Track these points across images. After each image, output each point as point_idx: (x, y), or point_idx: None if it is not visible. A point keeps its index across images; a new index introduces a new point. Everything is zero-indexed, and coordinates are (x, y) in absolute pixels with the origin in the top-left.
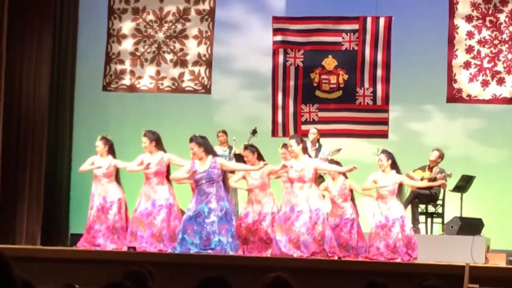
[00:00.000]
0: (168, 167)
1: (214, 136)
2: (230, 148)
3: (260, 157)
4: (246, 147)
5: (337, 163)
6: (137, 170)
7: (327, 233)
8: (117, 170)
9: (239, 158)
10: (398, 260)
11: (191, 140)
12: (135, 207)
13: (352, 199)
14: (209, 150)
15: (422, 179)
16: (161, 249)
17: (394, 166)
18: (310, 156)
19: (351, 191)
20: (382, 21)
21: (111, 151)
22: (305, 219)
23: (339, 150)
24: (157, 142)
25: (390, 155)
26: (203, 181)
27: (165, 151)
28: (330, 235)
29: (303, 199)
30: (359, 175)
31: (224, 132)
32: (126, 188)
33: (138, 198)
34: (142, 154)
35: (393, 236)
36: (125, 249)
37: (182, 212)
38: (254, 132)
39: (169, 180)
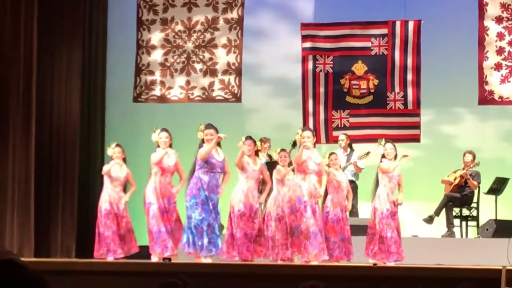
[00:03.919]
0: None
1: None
2: (270, 157)
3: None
4: (282, 150)
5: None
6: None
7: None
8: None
9: (273, 165)
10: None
11: (210, 127)
12: (159, 205)
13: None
14: (219, 143)
15: (455, 179)
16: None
17: (396, 157)
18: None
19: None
20: (411, 24)
21: (125, 160)
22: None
23: (368, 153)
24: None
25: (395, 147)
26: (218, 170)
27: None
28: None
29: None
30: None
31: (266, 140)
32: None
33: (151, 195)
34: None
35: (397, 223)
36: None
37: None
38: (294, 144)
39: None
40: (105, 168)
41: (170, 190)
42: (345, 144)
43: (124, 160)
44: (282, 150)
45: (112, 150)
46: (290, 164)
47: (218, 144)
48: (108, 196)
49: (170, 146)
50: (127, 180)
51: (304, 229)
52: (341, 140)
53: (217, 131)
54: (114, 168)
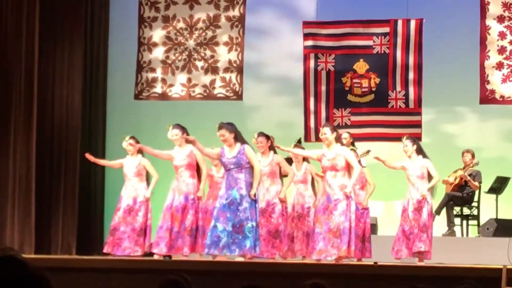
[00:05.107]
0: (197, 161)
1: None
2: None
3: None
4: (295, 145)
5: (357, 153)
6: (162, 155)
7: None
8: (147, 172)
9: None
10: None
11: (221, 127)
12: (169, 203)
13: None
14: (238, 137)
15: (455, 179)
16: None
17: (420, 151)
18: (343, 145)
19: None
20: (413, 23)
21: (140, 151)
22: (343, 207)
23: (368, 152)
24: (187, 135)
25: (415, 141)
26: (232, 167)
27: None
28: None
29: (337, 187)
30: (387, 178)
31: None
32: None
33: (169, 193)
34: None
35: (423, 216)
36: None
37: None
38: (299, 141)
39: (199, 175)
40: (109, 162)
41: (187, 187)
42: (347, 142)
43: (140, 150)
44: (296, 145)
45: (126, 143)
46: (304, 159)
47: (237, 139)
48: (123, 191)
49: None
50: (147, 171)
51: (272, 229)
52: (344, 138)
53: (229, 130)
54: (126, 162)
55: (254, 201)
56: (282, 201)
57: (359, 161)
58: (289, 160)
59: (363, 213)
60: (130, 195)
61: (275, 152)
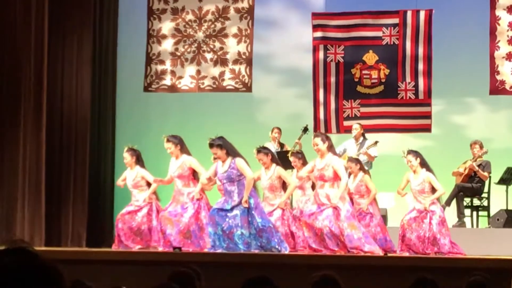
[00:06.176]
0: (192, 169)
1: (257, 134)
2: (281, 145)
3: (305, 163)
4: (292, 154)
5: (357, 160)
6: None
7: (347, 232)
8: (147, 181)
9: (284, 155)
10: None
11: (211, 145)
12: (166, 207)
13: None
14: (229, 151)
15: (465, 169)
16: (189, 245)
17: (424, 164)
18: (335, 154)
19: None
20: (422, 14)
21: (139, 161)
22: (328, 213)
23: (376, 143)
24: (182, 146)
25: (417, 154)
26: (225, 181)
27: (189, 154)
28: (356, 236)
29: (323, 197)
30: (398, 170)
31: (279, 129)
32: (162, 193)
33: (170, 199)
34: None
35: (425, 228)
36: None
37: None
38: (305, 129)
39: (195, 181)
40: (118, 182)
41: (183, 197)
42: (357, 133)
43: (137, 161)
44: (292, 154)
45: (124, 155)
46: (304, 163)
47: (228, 154)
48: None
49: (181, 150)
50: (147, 181)
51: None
52: (355, 129)
53: (220, 148)
54: (127, 175)
55: (247, 209)
56: (283, 209)
57: (362, 168)
58: (289, 161)
59: (365, 217)
60: (135, 205)
61: (278, 164)
